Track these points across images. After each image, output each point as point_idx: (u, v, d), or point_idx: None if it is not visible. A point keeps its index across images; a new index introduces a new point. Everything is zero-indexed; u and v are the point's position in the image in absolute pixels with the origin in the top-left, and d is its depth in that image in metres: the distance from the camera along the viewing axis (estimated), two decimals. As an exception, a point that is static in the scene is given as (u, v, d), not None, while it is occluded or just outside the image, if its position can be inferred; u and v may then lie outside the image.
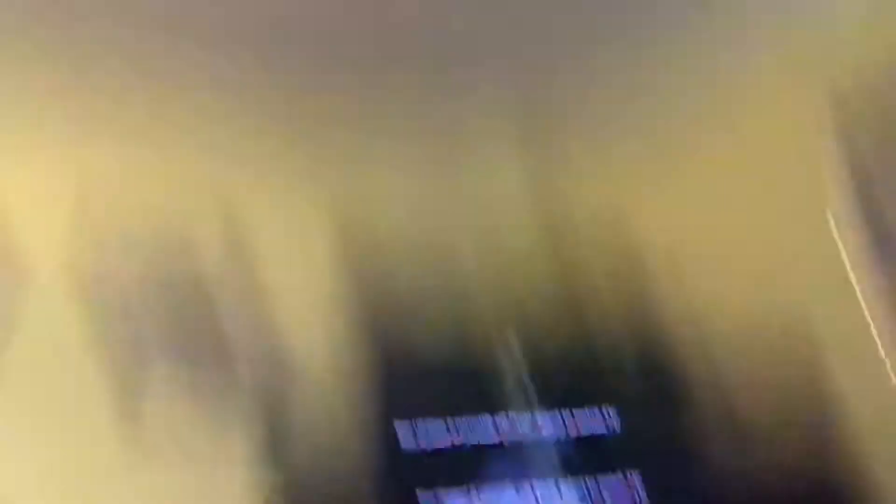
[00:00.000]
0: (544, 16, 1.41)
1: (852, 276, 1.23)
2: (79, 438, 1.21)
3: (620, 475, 1.15)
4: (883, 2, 1.33)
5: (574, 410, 1.18)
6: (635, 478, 1.14)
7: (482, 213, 1.45)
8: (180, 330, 1.33)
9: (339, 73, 1.41)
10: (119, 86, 1.38)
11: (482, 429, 1.20)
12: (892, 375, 1.21)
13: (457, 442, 1.19)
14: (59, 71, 1.37)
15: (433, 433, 1.19)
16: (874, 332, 1.21)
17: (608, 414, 1.18)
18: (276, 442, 1.30)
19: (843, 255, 1.24)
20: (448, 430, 1.19)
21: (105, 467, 1.23)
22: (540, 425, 1.17)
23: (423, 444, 1.19)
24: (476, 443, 1.18)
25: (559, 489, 1.15)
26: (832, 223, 1.25)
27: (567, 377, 1.19)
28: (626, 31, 1.40)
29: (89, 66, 1.34)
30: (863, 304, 1.22)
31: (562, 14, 1.42)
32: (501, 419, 1.19)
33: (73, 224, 1.30)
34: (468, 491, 1.15)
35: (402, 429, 1.20)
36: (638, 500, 1.13)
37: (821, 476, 1.16)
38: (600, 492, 1.14)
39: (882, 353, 1.21)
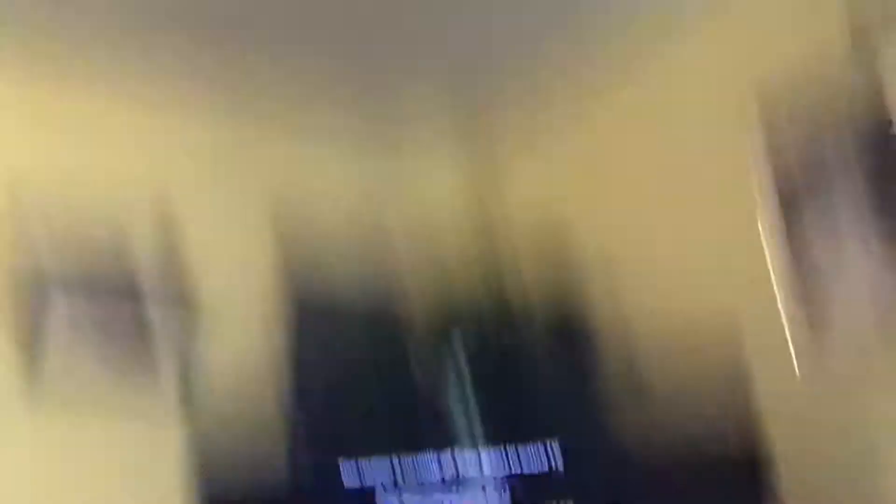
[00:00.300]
0: (478, 15, 1.47)
1: (773, 277, 1.29)
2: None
3: (539, 443, 1.21)
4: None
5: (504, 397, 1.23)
6: (554, 445, 1.20)
7: (417, 204, 1.50)
8: (91, 266, 1.36)
9: (275, 64, 1.46)
10: (51, 75, 1.41)
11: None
12: (796, 367, 1.28)
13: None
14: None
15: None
16: (786, 327, 1.28)
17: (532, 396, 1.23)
18: (186, 393, 1.33)
19: (767, 254, 1.29)
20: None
21: (8, 420, 1.25)
22: (472, 411, 1.22)
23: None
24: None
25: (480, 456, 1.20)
26: (759, 221, 1.31)
27: (499, 372, 1.24)
28: (562, 24, 1.46)
29: (20, 54, 1.36)
30: (779, 302, 1.29)
31: (496, 13, 1.47)
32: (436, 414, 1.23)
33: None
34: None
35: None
36: (554, 464, 1.19)
37: (727, 447, 1.22)
38: (518, 457, 1.20)
39: (791, 347, 1.28)
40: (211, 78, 1.47)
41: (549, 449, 1.19)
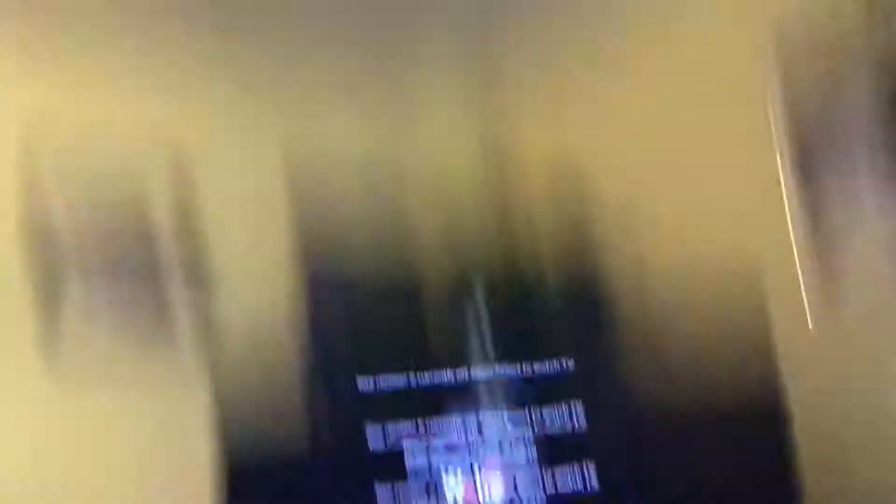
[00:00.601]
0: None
1: (790, 228, 1.30)
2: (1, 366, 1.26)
3: (564, 407, 1.24)
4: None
5: (527, 356, 1.26)
6: (578, 407, 1.24)
7: (431, 157, 1.49)
8: (110, 247, 1.36)
9: (289, 21, 1.43)
10: (63, 29, 1.38)
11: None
12: (809, 319, 1.30)
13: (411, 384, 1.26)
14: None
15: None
16: (801, 278, 1.30)
17: (560, 361, 1.26)
18: (206, 362, 1.35)
19: (785, 203, 1.29)
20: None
21: (29, 394, 1.28)
22: (494, 368, 1.25)
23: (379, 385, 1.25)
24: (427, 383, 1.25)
25: (504, 419, 1.24)
26: (779, 167, 1.31)
27: (517, 324, 1.26)
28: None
29: (33, 11, 1.33)
30: (794, 250, 1.30)
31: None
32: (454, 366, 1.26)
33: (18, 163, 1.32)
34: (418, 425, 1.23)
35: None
36: (577, 425, 1.23)
37: (744, 400, 1.25)
38: (543, 420, 1.24)
39: (805, 298, 1.29)
40: (221, 27, 1.46)
41: (571, 408, 1.23)
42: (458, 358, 1.25)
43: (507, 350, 1.25)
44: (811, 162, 1.29)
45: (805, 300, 1.30)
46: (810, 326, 1.30)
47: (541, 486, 1.23)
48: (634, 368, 1.25)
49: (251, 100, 1.46)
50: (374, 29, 1.49)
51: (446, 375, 1.25)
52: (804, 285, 1.31)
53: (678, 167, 1.39)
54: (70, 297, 1.32)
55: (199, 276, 1.38)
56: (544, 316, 1.27)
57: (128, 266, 1.36)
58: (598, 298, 1.27)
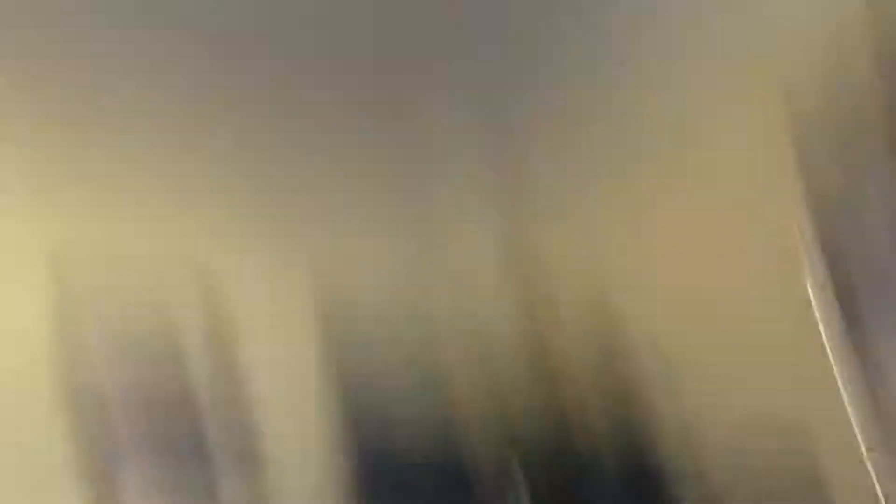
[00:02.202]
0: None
1: (834, 367, 1.20)
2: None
3: None
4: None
5: None
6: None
7: (459, 282, 1.43)
8: (158, 426, 1.34)
9: (315, 137, 1.40)
10: (90, 153, 1.37)
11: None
12: (875, 481, 1.19)
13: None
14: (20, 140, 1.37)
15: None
16: (856, 428, 1.19)
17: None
18: None
19: (824, 340, 1.20)
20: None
21: None
22: None
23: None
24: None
25: None
26: (812, 299, 1.21)
27: (554, 481, 1.19)
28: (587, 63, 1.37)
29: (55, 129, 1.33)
30: (843, 397, 1.19)
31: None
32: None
33: (52, 313, 1.30)
34: None
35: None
36: None
37: None
38: None
39: (864, 454, 1.18)
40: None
41: None
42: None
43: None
44: (847, 292, 1.19)
45: (863, 453, 1.18)
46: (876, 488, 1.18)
47: None
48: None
49: (279, 222, 1.42)
50: (400, 151, 1.45)
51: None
52: (861, 438, 1.19)
53: (711, 305, 1.30)
54: (123, 473, 1.29)
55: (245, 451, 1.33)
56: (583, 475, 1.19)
57: (172, 439, 1.32)
58: (649, 468, 1.18)
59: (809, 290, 1.18)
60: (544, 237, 1.43)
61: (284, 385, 1.35)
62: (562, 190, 1.44)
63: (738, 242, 1.27)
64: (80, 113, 1.36)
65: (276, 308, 1.39)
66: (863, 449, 1.14)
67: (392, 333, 1.35)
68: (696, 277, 1.30)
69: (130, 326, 1.32)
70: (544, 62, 1.38)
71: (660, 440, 1.18)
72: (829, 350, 1.16)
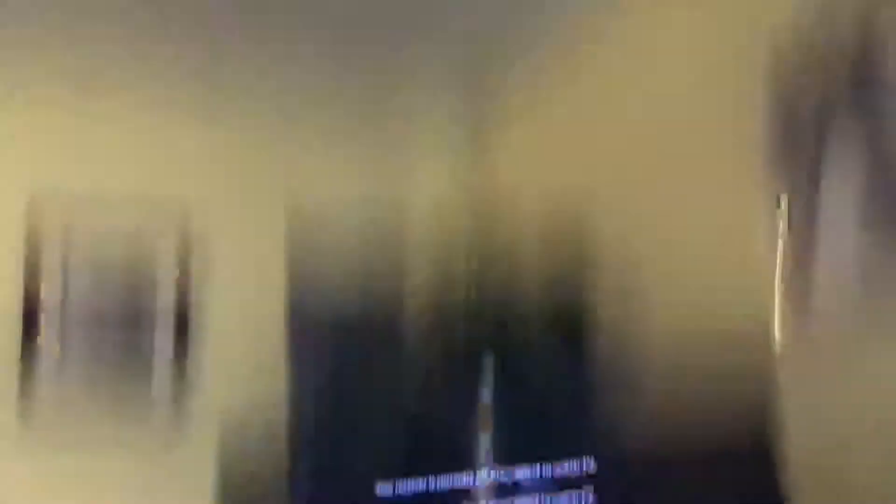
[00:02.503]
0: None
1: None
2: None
3: (575, 462, 1.27)
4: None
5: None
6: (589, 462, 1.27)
7: (426, 199, 1.47)
8: (96, 298, 1.32)
9: (287, 80, 1.41)
10: (65, 84, 1.33)
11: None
12: (777, 335, 1.33)
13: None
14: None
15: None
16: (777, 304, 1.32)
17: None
18: (187, 424, 1.32)
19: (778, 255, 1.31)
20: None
21: (4, 460, 1.25)
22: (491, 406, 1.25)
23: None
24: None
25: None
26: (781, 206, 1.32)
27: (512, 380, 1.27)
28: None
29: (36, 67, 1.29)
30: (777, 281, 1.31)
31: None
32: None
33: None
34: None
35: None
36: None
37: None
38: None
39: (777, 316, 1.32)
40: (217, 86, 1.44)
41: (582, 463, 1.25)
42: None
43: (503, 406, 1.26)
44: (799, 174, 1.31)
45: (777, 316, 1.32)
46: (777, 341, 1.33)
47: None
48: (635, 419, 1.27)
49: (249, 147, 1.43)
50: (369, 83, 1.48)
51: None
52: (779, 306, 1.33)
53: (673, 201, 1.39)
54: (46, 348, 1.28)
55: (186, 335, 1.34)
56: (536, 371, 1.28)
57: (111, 316, 1.32)
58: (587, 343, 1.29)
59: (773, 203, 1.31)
60: (504, 142, 1.48)
61: (237, 265, 1.37)
62: (523, 94, 1.49)
63: (701, 148, 1.36)
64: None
65: (245, 231, 1.41)
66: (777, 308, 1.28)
67: (351, 238, 1.39)
68: (656, 187, 1.38)
69: (99, 254, 1.32)
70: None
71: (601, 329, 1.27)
72: (778, 263, 1.30)
